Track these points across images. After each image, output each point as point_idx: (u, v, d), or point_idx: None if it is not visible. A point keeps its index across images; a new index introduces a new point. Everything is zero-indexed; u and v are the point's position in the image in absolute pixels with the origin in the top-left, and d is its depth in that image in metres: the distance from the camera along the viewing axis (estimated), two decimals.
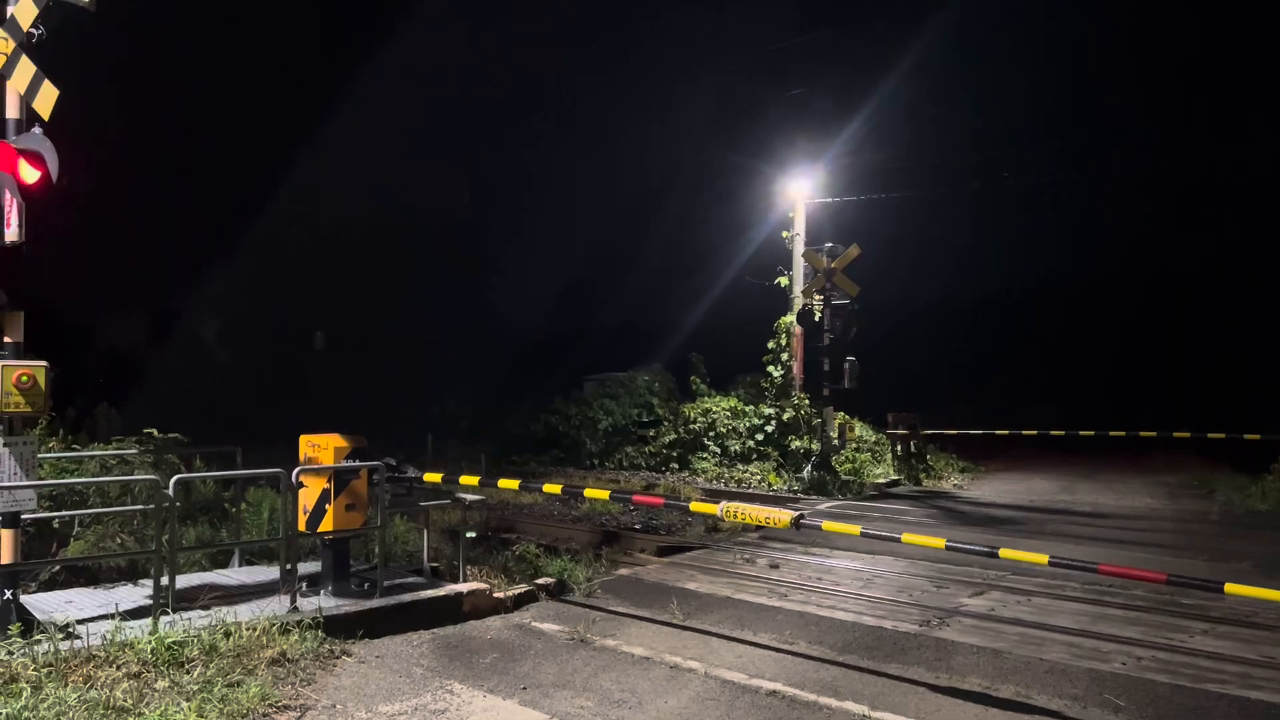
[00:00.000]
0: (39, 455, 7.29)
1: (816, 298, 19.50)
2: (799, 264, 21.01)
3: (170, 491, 7.10)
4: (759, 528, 12.42)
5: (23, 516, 6.93)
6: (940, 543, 7.56)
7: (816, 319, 19.50)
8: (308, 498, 7.92)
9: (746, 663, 7.26)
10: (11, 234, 6.72)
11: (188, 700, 5.67)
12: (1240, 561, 11.57)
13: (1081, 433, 23.23)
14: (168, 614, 6.89)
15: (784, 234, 21.68)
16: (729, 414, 22.19)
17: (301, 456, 8.11)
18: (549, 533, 13.82)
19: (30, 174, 6.67)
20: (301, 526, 7.95)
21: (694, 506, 9.15)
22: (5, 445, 6.73)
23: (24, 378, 6.66)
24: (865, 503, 17.49)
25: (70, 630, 6.57)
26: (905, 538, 7.67)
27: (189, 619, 6.86)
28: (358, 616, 7.53)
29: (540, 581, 9.41)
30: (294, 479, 7.75)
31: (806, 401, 21.00)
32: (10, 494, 6.69)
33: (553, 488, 11.01)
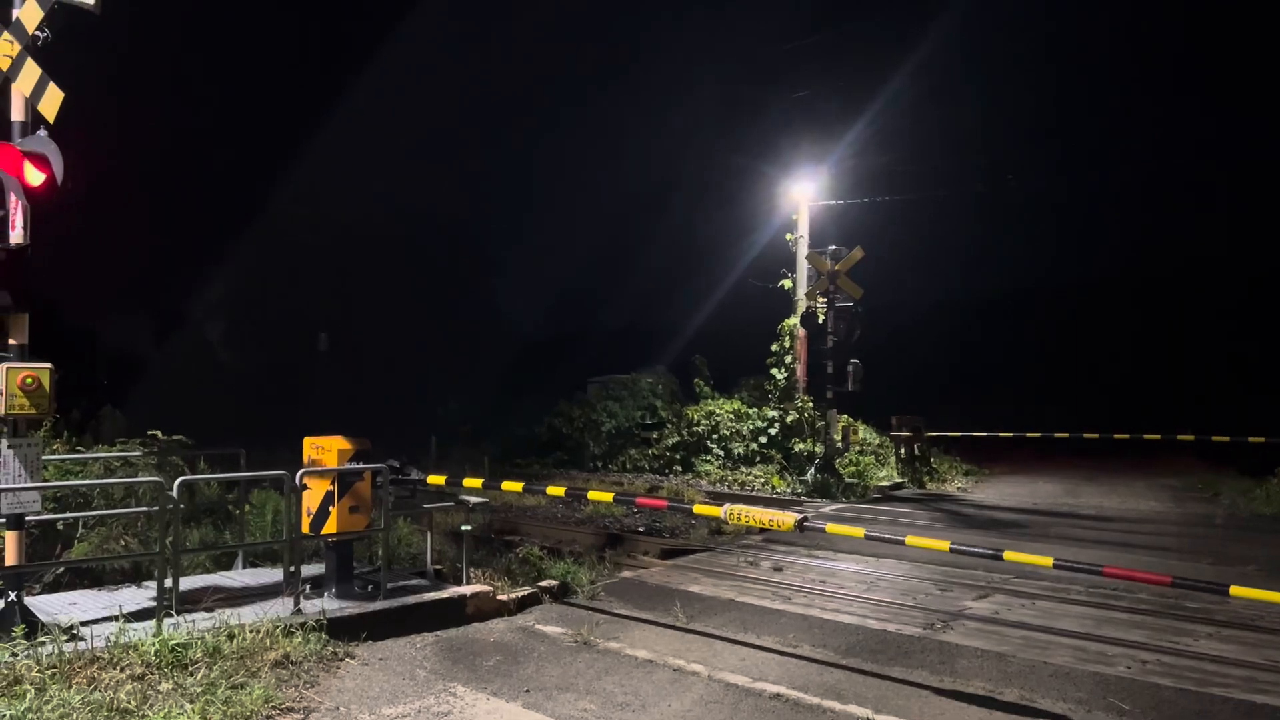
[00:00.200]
0: (43, 457, 7.29)
1: (820, 300, 19.49)
2: (802, 266, 20.99)
3: (174, 493, 7.10)
4: (762, 530, 12.42)
5: (27, 518, 6.94)
6: (944, 546, 7.55)
7: (820, 321, 19.48)
8: (311, 500, 7.93)
9: (750, 666, 7.25)
10: (16, 236, 6.74)
11: (191, 702, 5.67)
12: (1245, 565, 11.54)
13: (1085, 435, 23.18)
14: (171, 616, 6.89)
15: (787, 236, 21.67)
16: (732, 416, 22.18)
17: (305, 458, 8.11)
18: (552, 535, 13.82)
19: (35, 176, 6.68)
20: (305, 528, 7.96)
21: (697, 509, 9.14)
22: (10, 447, 6.74)
23: (29, 380, 6.68)
24: (869, 505, 17.47)
25: (74, 632, 6.57)
26: (909, 541, 7.66)
27: (193, 621, 6.86)
28: (361, 619, 7.53)
29: (544, 584, 9.41)
30: (298, 481, 7.75)
31: (810, 404, 20.99)
32: (15, 496, 6.70)
33: (556, 490, 11.02)
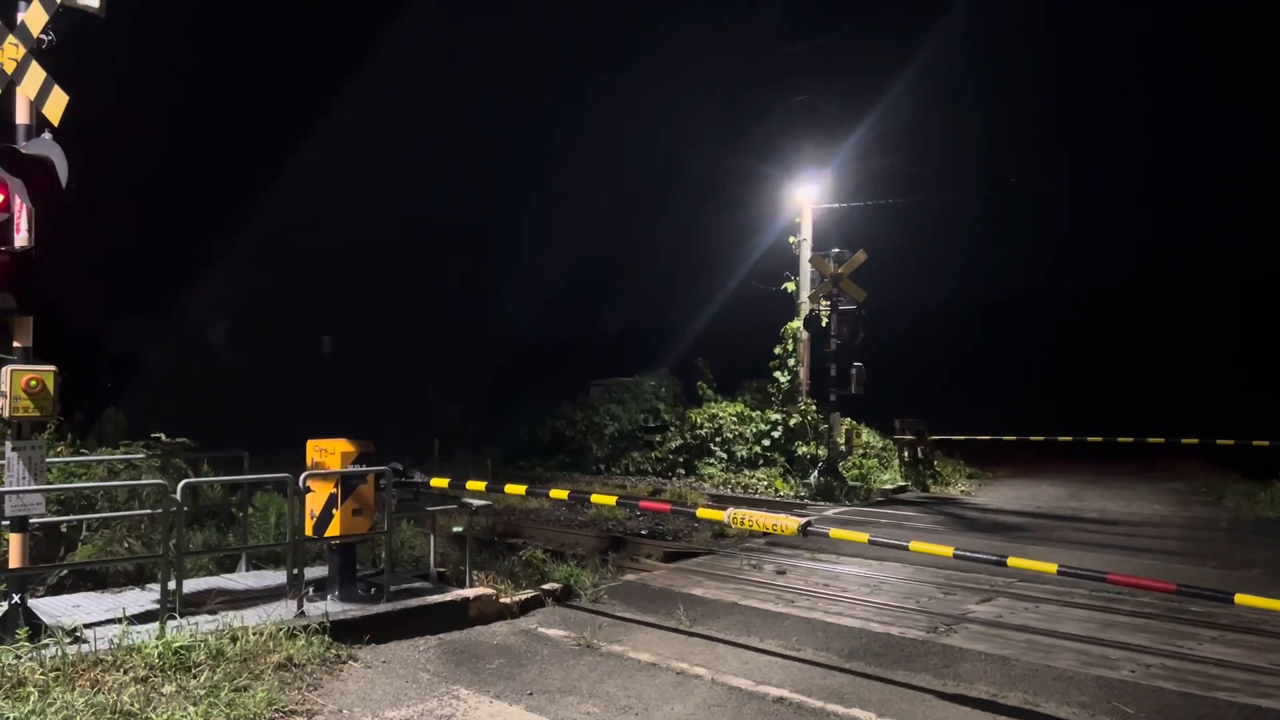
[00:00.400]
0: (47, 459, 7.30)
1: (823, 303, 19.48)
2: (806, 269, 20.99)
3: (178, 496, 7.11)
4: (766, 534, 12.40)
5: (31, 521, 6.95)
6: (948, 550, 7.52)
7: (823, 324, 19.48)
8: (314, 502, 7.93)
9: (753, 669, 7.24)
10: (21, 239, 6.76)
11: (194, 705, 5.68)
12: (1250, 569, 11.51)
13: (1089, 439, 23.15)
14: (175, 618, 6.90)
15: (791, 239, 21.67)
16: (735, 419, 22.16)
17: (308, 461, 8.12)
18: (555, 538, 13.81)
19: (40, 180, 6.69)
20: (308, 531, 7.96)
21: (701, 512, 9.14)
22: (14, 449, 6.75)
23: (33, 382, 6.68)
24: (872, 509, 17.45)
25: (78, 634, 6.58)
26: (913, 545, 7.66)
27: (196, 623, 6.87)
28: (364, 621, 7.53)
29: (546, 587, 9.40)
30: (301, 484, 7.76)
31: (813, 407, 20.97)
32: (19, 498, 6.71)
33: (559, 493, 11.01)
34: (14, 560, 6.76)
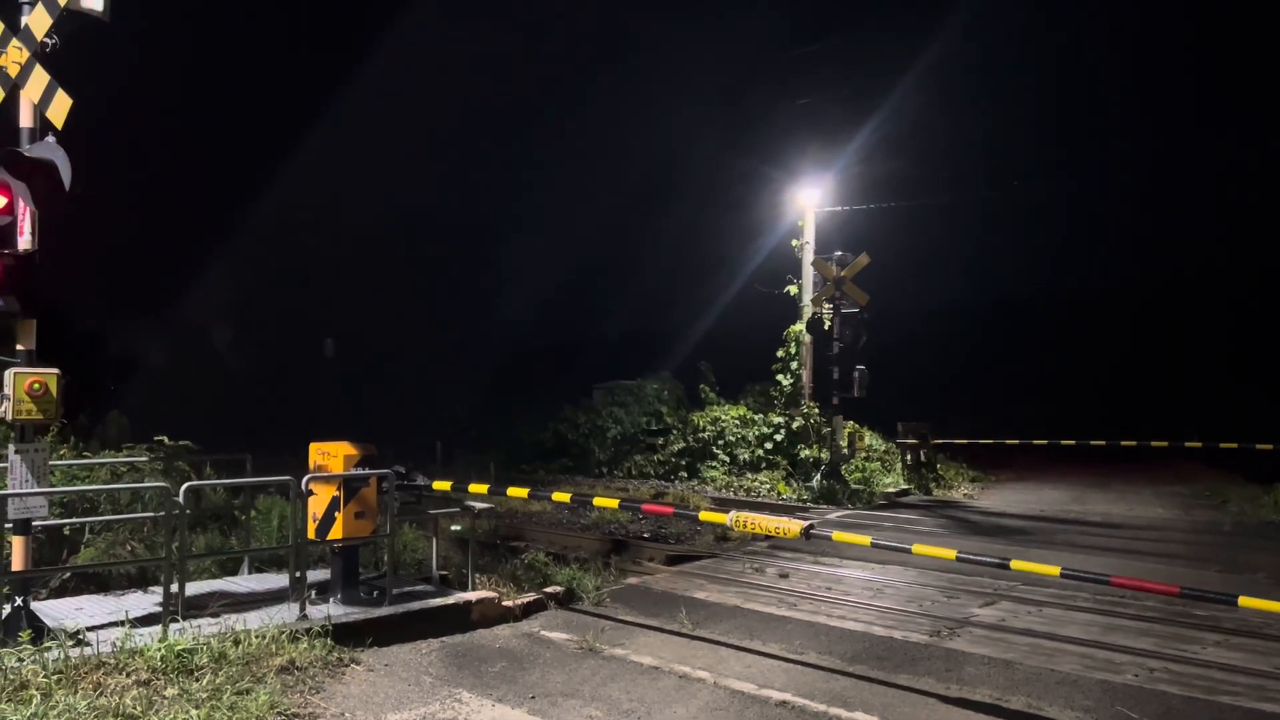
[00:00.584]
0: (50, 462, 7.31)
1: (826, 306, 19.46)
2: (808, 272, 20.99)
3: (180, 499, 7.11)
4: (768, 537, 12.38)
5: (34, 523, 6.95)
6: (951, 553, 7.51)
7: (826, 327, 19.44)
8: (317, 505, 7.93)
9: (756, 673, 7.23)
10: (24, 242, 6.77)
11: (197, 708, 5.67)
12: (1254, 573, 11.49)
13: (1092, 442, 23.13)
14: (177, 621, 6.90)
15: (793, 242, 21.67)
16: (738, 422, 22.15)
17: (311, 464, 8.12)
18: (558, 541, 13.80)
19: (43, 183, 6.70)
20: (311, 534, 7.96)
21: (703, 515, 9.13)
22: (17, 452, 6.76)
23: (36, 385, 6.69)
24: (875, 512, 17.43)
25: (80, 637, 6.58)
26: (916, 548, 7.64)
27: (198, 626, 6.87)
28: (366, 624, 7.53)
29: (549, 590, 9.39)
30: (304, 487, 7.76)
31: (816, 410, 20.95)
32: (22, 501, 6.72)
33: (561, 496, 11.01)
34: (17, 563, 6.77)
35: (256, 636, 6.75)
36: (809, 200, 21.47)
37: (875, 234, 21.56)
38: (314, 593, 8.01)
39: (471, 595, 8.49)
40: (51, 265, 7.03)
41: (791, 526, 7.62)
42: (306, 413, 22.88)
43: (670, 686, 6.86)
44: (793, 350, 21.60)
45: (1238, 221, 42.24)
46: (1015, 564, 7.13)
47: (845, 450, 20.18)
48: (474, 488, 10.23)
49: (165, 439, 10.99)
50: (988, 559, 7.76)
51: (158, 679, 6.06)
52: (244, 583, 8.73)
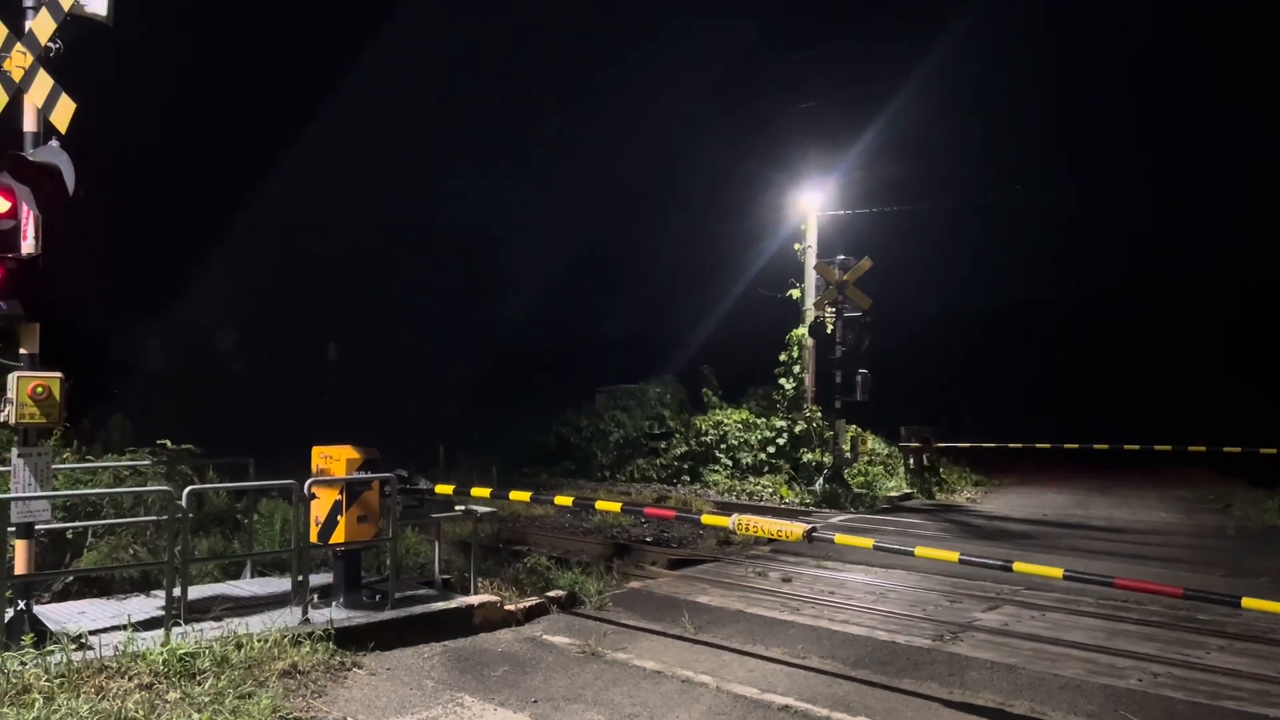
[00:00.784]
0: (53, 466, 7.31)
1: (829, 310, 19.46)
2: (811, 276, 21.00)
3: (183, 503, 7.11)
4: (771, 541, 12.38)
5: (37, 527, 6.96)
6: (954, 557, 7.50)
7: (828, 331, 19.44)
8: (320, 509, 7.93)
9: (758, 677, 7.22)
10: (28, 246, 6.77)
11: (199, 712, 5.67)
12: (1258, 577, 11.47)
13: (1096, 446, 23.08)
14: (180, 625, 6.90)
15: (796, 246, 21.68)
16: (741, 426, 22.15)
17: (314, 468, 8.12)
18: (560, 545, 13.79)
19: (47, 187, 6.71)
20: (313, 538, 7.96)
21: (706, 519, 9.12)
22: (20, 456, 6.76)
23: (39, 389, 6.70)
24: (878, 516, 17.41)
25: (83, 641, 6.58)
26: (919, 551, 7.63)
27: (201, 630, 6.87)
28: (369, 628, 7.53)
29: (551, 594, 9.39)
30: (306, 490, 7.76)
31: (819, 414, 20.95)
32: (25, 505, 6.72)
33: (564, 500, 11.01)
34: (20, 567, 6.77)
35: (259, 640, 6.75)
36: (811, 204, 21.49)
37: (878, 238, 21.59)
38: (316, 597, 8.01)
39: (474, 599, 8.48)
40: (55, 268, 7.04)
41: (794, 530, 7.62)
42: (309, 416, 22.88)
43: (673, 691, 6.85)
44: (795, 354, 21.59)
45: (1238, 221, 42.15)
46: (1018, 565, 7.11)
47: (848, 454, 20.17)
48: (476, 491, 10.23)
49: (168, 442, 11.01)
50: (991, 562, 7.74)
51: (160, 683, 6.05)
52: (246, 586, 8.73)
